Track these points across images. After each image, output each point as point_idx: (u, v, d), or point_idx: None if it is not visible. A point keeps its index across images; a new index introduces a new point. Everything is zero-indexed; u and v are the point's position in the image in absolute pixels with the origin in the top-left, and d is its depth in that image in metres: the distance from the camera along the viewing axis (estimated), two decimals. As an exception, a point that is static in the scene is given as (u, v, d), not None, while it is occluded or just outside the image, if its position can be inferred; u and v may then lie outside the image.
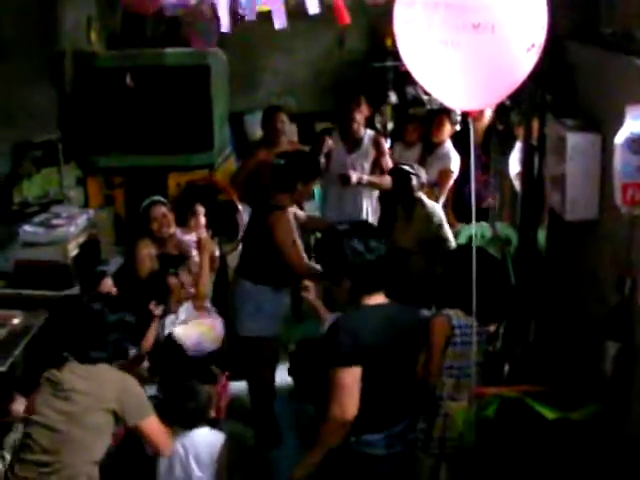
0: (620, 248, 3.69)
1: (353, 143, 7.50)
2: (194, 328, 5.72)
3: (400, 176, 6.55)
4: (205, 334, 5.68)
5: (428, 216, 6.43)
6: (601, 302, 3.92)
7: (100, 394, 3.95)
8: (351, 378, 3.74)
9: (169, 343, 5.58)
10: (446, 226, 6.50)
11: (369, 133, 7.63)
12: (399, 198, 6.61)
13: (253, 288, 5.77)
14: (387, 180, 6.87)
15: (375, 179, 7.31)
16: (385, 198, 7.37)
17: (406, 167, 6.57)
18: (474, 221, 4.29)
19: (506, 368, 4.90)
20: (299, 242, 5.66)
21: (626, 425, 3.65)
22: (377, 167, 7.47)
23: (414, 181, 6.45)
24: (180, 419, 4.49)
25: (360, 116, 7.53)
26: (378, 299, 3.94)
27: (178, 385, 4.72)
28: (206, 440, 4.48)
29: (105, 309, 4.21)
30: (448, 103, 3.80)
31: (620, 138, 3.17)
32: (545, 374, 4.39)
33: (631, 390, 3.60)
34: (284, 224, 5.59)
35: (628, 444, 3.62)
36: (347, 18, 5.57)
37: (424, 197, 6.57)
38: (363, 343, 3.75)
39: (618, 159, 3.18)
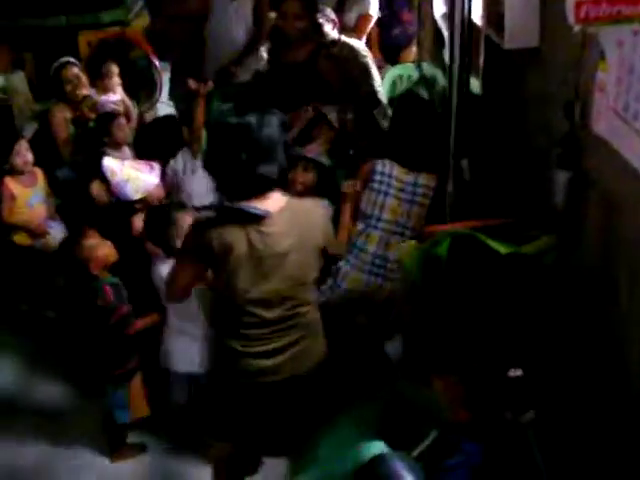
0: (568, 73, 3.55)
1: None
2: (125, 168, 5.49)
3: None
4: (132, 180, 5.43)
5: (352, 51, 6.18)
6: (547, 131, 3.80)
7: None
8: None
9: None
10: (373, 66, 6.26)
11: None
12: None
13: None
14: None
15: None
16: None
17: None
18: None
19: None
20: None
21: (578, 255, 3.58)
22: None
23: (325, 27, 6.17)
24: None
25: None
26: None
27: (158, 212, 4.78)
28: None
29: None
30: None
31: (571, -48, 2.98)
32: (489, 210, 4.31)
33: (583, 219, 3.51)
34: None
35: (580, 274, 3.57)
36: None
37: (343, 36, 6.31)
38: None
39: (570, -25, 3.00)
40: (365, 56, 6.13)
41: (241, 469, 4.18)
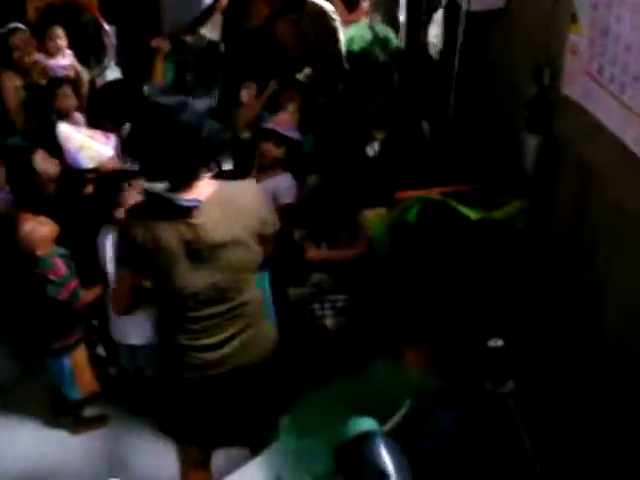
0: (536, 35, 3.50)
1: None
2: (80, 137, 5.34)
3: None
4: (86, 148, 5.29)
5: (320, 13, 6.02)
6: (515, 94, 3.75)
7: None
8: None
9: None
10: (340, 28, 6.12)
11: None
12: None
13: None
14: None
15: None
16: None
17: None
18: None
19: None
20: None
21: (550, 219, 3.55)
22: None
23: None
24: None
25: None
26: None
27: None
28: None
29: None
30: None
31: None
32: (459, 175, 4.27)
33: (555, 183, 3.48)
34: None
35: (553, 238, 3.54)
36: None
37: None
38: None
39: None
40: (333, 19, 5.93)
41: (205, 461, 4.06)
